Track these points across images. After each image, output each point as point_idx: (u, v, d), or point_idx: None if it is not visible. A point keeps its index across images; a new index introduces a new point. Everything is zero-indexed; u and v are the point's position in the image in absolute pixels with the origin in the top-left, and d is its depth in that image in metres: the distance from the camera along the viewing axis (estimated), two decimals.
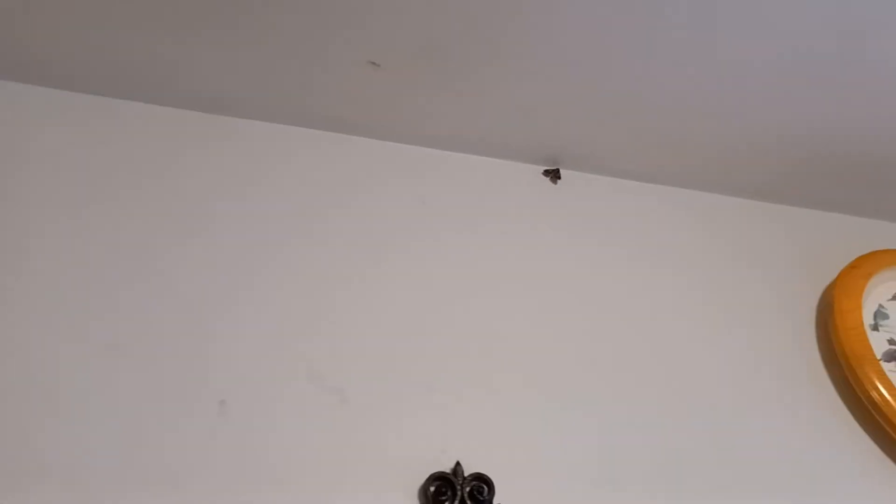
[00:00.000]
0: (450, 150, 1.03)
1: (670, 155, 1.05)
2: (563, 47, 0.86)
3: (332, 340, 0.84)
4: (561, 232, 1.02)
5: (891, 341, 1.01)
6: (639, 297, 1.00)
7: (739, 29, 0.83)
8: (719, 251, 1.07)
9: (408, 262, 0.93)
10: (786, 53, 0.87)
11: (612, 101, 0.95)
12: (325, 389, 0.81)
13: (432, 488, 0.76)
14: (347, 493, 0.75)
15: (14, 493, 0.68)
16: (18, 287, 0.78)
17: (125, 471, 0.71)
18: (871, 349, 0.96)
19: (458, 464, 0.79)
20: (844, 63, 0.89)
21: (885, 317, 1.04)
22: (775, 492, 0.89)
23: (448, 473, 0.78)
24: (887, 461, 0.95)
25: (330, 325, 0.85)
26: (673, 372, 0.94)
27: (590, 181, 1.08)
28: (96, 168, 0.88)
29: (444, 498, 0.76)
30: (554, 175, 1.06)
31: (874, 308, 1.04)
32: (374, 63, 0.87)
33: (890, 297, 1.06)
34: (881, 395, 0.93)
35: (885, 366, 0.97)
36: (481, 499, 0.77)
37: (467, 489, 0.77)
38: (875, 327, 1.02)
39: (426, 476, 0.77)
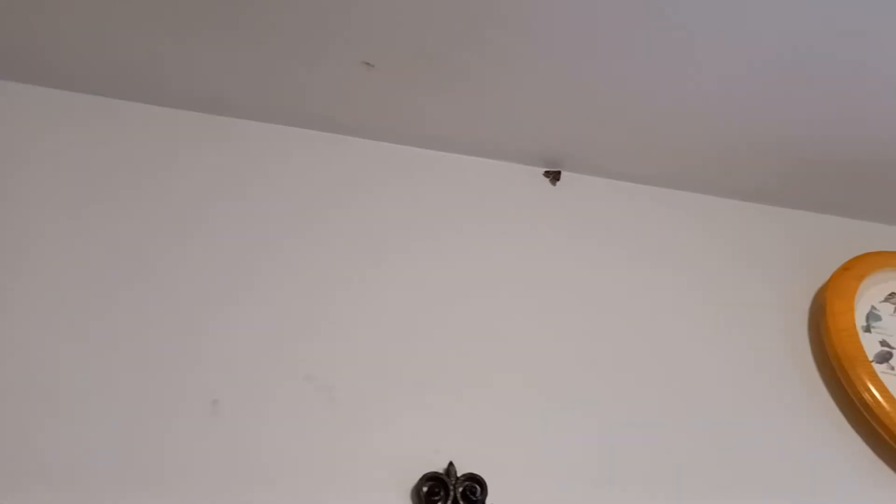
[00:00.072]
0: (448, 151, 1.04)
1: (669, 156, 1.05)
2: (563, 48, 0.86)
3: (326, 341, 0.84)
4: (560, 233, 1.02)
5: (883, 343, 1.01)
6: (637, 297, 1.00)
7: (739, 29, 0.83)
8: (717, 253, 1.08)
9: (405, 262, 0.93)
10: (786, 53, 0.87)
11: (612, 103, 0.95)
12: (318, 389, 0.81)
13: (425, 488, 0.76)
14: (340, 492, 0.75)
15: (14, 493, 0.68)
16: (18, 287, 0.79)
17: (123, 470, 0.72)
18: (863, 351, 0.96)
19: (450, 464, 0.79)
20: (844, 63, 0.88)
21: (878, 318, 1.04)
22: (769, 492, 0.89)
23: (441, 473, 0.78)
24: (879, 462, 0.95)
25: (325, 325, 0.86)
26: (671, 372, 0.94)
27: (589, 183, 1.08)
28: (96, 168, 0.88)
29: (436, 498, 0.76)
30: (554, 177, 1.06)
31: (866, 310, 1.04)
32: (367, 63, 0.87)
33: (882, 298, 1.06)
34: (873, 396, 0.93)
35: (877, 367, 0.97)
36: (474, 499, 0.77)
37: (460, 489, 0.77)
38: (867, 329, 1.02)
39: (419, 476, 0.77)
